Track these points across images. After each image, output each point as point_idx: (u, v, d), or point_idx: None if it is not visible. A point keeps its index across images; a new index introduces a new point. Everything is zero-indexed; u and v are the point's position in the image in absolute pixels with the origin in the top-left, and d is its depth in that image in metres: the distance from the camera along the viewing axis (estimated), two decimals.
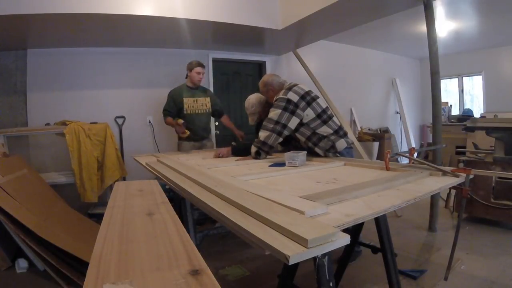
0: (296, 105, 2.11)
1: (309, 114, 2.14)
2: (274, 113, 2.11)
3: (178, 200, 2.23)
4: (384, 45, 5.59)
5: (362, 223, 1.64)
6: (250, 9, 3.34)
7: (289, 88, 2.20)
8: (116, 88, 3.91)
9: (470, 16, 4.20)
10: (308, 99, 2.16)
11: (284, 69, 4.94)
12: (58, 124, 3.29)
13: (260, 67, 4.95)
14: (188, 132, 3.02)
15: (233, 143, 2.91)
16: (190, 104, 3.19)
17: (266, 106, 2.47)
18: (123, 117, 3.94)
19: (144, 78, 4.04)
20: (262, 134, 2.10)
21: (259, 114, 2.57)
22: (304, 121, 2.14)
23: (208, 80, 4.45)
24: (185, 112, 3.16)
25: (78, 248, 2.16)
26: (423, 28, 2.95)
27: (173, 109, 3.18)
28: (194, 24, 3.19)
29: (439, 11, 3.89)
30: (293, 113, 2.10)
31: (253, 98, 2.59)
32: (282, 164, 1.87)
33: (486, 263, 2.18)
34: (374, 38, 4.99)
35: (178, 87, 3.28)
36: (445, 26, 4.52)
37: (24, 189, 2.54)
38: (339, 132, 2.22)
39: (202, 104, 3.25)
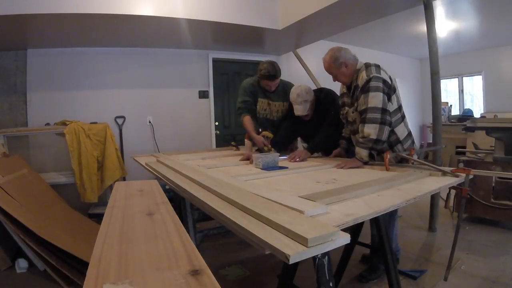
0: (390, 88, 1.72)
1: (393, 102, 1.75)
2: (376, 99, 1.65)
3: (178, 200, 2.23)
4: (384, 45, 5.59)
5: (362, 223, 1.64)
6: (250, 9, 3.34)
7: (376, 65, 1.78)
8: (116, 88, 3.91)
9: (470, 16, 4.20)
10: (393, 82, 1.77)
11: (284, 69, 4.92)
12: (58, 124, 3.29)
13: None
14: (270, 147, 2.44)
15: (232, 143, 2.91)
16: (263, 108, 2.67)
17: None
18: (123, 117, 3.94)
19: (144, 78, 4.04)
20: (371, 130, 1.65)
21: (312, 103, 2.27)
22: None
23: (208, 80, 4.45)
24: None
25: (78, 248, 2.16)
26: (423, 28, 2.95)
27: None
28: (194, 24, 3.19)
29: (439, 11, 3.89)
30: (389, 98, 1.70)
31: (303, 85, 2.26)
32: (275, 168, 1.83)
33: (486, 263, 2.18)
34: (374, 38, 4.99)
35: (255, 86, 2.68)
36: (445, 26, 4.52)
37: (24, 189, 2.54)
38: (411, 136, 1.89)
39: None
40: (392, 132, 1.76)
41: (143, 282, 0.61)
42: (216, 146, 4.42)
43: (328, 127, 2.24)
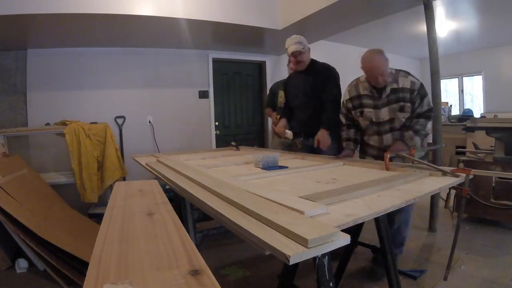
0: None
1: None
2: (430, 102, 2.03)
3: (178, 200, 2.23)
4: (384, 45, 5.56)
5: (362, 224, 1.64)
6: (250, 9, 3.34)
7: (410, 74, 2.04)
8: (116, 88, 3.91)
9: (470, 16, 4.20)
10: None
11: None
12: (58, 124, 3.29)
13: (260, 67, 4.95)
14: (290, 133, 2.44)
15: (232, 143, 2.91)
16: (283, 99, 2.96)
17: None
18: (123, 117, 3.94)
19: (144, 78, 4.04)
20: (430, 127, 2.04)
21: (305, 52, 2.39)
22: None
23: (208, 80, 4.46)
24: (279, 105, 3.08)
25: (78, 248, 2.16)
26: (423, 28, 2.95)
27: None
28: (194, 24, 3.19)
29: (439, 11, 3.89)
30: None
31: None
32: (275, 167, 1.83)
33: (486, 263, 2.18)
34: (374, 38, 4.99)
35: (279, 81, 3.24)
36: (445, 26, 4.52)
37: (24, 189, 2.54)
38: None
39: None
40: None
41: (143, 282, 0.61)
42: (216, 146, 4.42)
43: (332, 96, 2.29)
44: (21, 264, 2.28)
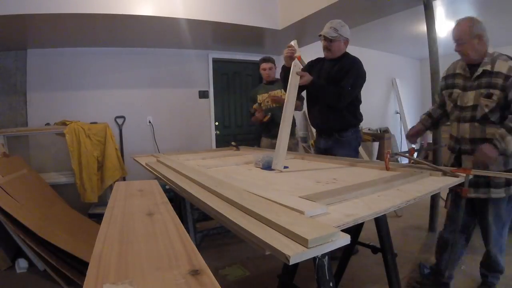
0: None
1: None
2: None
3: (178, 200, 2.23)
4: (384, 45, 5.59)
5: (362, 223, 1.64)
6: (250, 9, 3.34)
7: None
8: (116, 88, 3.91)
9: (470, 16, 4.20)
10: None
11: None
12: (58, 124, 3.29)
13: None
14: (269, 115, 3.02)
15: (232, 143, 2.91)
16: (264, 99, 3.15)
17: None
18: (123, 117, 3.94)
19: (144, 78, 4.05)
20: None
21: (337, 41, 2.18)
22: None
23: (208, 80, 4.46)
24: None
25: (78, 248, 2.16)
26: (423, 28, 2.95)
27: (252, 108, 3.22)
28: (194, 24, 3.19)
29: (439, 11, 3.89)
30: None
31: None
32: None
33: None
34: (374, 38, 4.99)
35: (257, 87, 3.40)
36: (445, 26, 4.52)
37: (24, 189, 2.54)
38: None
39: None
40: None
41: (143, 282, 0.61)
42: (216, 146, 4.42)
43: (344, 86, 2.09)
44: (21, 264, 2.28)
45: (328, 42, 2.19)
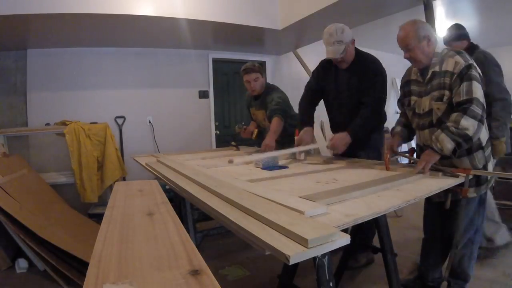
0: (482, 80, 1.46)
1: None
2: (480, 92, 1.40)
3: (178, 200, 2.23)
4: (384, 45, 5.59)
5: (362, 223, 1.64)
6: (250, 9, 3.34)
7: (466, 53, 1.51)
8: (116, 88, 3.91)
9: (470, 16, 4.20)
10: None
11: (284, 69, 4.95)
12: (58, 124, 3.29)
13: None
14: (256, 131, 2.69)
15: (232, 143, 2.91)
16: (261, 119, 2.74)
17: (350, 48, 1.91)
18: (123, 117, 3.94)
19: (144, 78, 4.04)
20: (470, 125, 1.37)
21: (347, 49, 1.92)
22: None
23: (208, 80, 4.46)
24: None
25: (78, 248, 2.16)
26: None
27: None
28: (194, 24, 3.19)
29: (439, 11, 3.89)
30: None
31: (338, 24, 1.96)
32: (275, 167, 1.83)
33: (486, 263, 2.18)
34: (374, 38, 4.99)
35: (249, 97, 2.91)
36: (445, 26, 4.51)
37: (24, 189, 2.54)
38: (489, 143, 1.61)
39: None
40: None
41: (143, 282, 0.61)
42: (216, 146, 4.42)
43: (373, 103, 1.88)
44: (21, 264, 2.28)
45: (339, 58, 1.95)
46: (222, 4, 3.20)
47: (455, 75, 1.44)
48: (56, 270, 2.05)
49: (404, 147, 2.05)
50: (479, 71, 1.46)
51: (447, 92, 1.48)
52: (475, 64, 1.45)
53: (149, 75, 4.07)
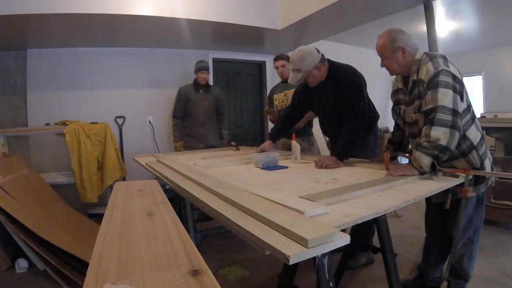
0: (462, 85, 1.43)
1: (463, 101, 1.44)
2: (447, 97, 1.35)
3: (178, 200, 2.23)
4: None
5: (362, 223, 1.64)
6: (250, 9, 3.34)
7: (443, 57, 1.48)
8: (116, 88, 3.91)
9: (470, 16, 4.20)
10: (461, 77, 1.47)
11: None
12: (58, 124, 3.29)
13: (260, 67, 4.95)
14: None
15: (233, 143, 2.91)
16: (281, 99, 2.91)
17: (317, 71, 1.91)
18: (123, 117, 3.94)
19: (144, 78, 4.04)
20: (441, 134, 1.34)
21: (305, 77, 1.94)
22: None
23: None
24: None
25: (78, 248, 2.16)
26: (423, 28, 2.95)
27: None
28: (194, 24, 3.19)
29: (439, 11, 3.89)
30: (461, 97, 1.41)
31: (306, 49, 1.92)
32: (275, 167, 1.83)
33: (486, 263, 2.18)
34: (374, 38, 4.98)
35: (275, 85, 3.13)
36: (445, 26, 4.52)
37: (24, 189, 2.54)
38: (484, 140, 1.58)
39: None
40: (463, 137, 1.47)
41: (143, 282, 0.61)
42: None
43: (354, 123, 1.87)
44: (21, 264, 2.28)
45: (303, 80, 1.96)
46: (222, 4, 3.20)
47: (425, 84, 1.43)
48: (56, 270, 2.05)
49: None
50: (456, 74, 1.42)
51: (422, 102, 1.47)
52: (448, 69, 1.41)
53: (149, 75, 4.07)
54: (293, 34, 3.82)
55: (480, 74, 6.12)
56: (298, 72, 1.90)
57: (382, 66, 1.65)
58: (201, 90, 3.40)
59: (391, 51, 1.54)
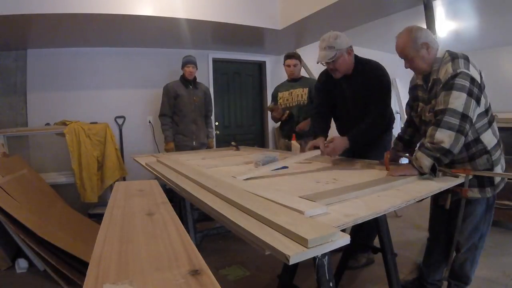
0: (480, 88, 1.39)
1: (481, 104, 1.41)
2: (459, 101, 1.32)
3: (178, 200, 2.23)
4: (384, 45, 5.59)
5: (364, 223, 1.64)
6: (250, 9, 3.34)
7: (464, 58, 1.44)
8: (116, 88, 3.91)
9: (470, 16, 4.20)
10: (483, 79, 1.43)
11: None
12: (58, 124, 3.29)
13: (260, 67, 4.95)
14: (286, 113, 2.84)
15: (233, 143, 2.91)
16: (285, 98, 2.92)
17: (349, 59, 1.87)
18: (123, 117, 3.94)
19: (144, 78, 4.04)
20: (445, 137, 1.31)
21: (335, 61, 1.85)
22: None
23: (208, 80, 4.45)
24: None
25: (78, 248, 2.16)
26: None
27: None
28: (194, 24, 3.20)
29: (439, 11, 3.89)
30: (478, 101, 1.37)
31: (337, 32, 1.89)
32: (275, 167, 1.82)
33: (486, 263, 2.18)
34: (374, 38, 4.99)
35: (280, 83, 3.10)
36: (445, 26, 4.52)
37: (24, 189, 2.54)
38: (500, 146, 1.54)
39: (298, 95, 2.86)
40: (477, 140, 1.45)
41: (143, 282, 0.61)
42: (216, 146, 4.41)
43: (377, 111, 1.85)
44: (21, 264, 2.28)
45: (331, 64, 1.88)
46: (222, 4, 3.20)
47: (441, 85, 1.41)
48: (56, 270, 2.05)
49: None
50: (476, 77, 1.39)
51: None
52: (467, 71, 1.37)
53: (149, 75, 4.07)
54: (293, 34, 3.82)
55: None
56: (330, 50, 1.82)
57: (406, 68, 1.59)
58: (190, 86, 3.34)
59: (415, 49, 1.48)
